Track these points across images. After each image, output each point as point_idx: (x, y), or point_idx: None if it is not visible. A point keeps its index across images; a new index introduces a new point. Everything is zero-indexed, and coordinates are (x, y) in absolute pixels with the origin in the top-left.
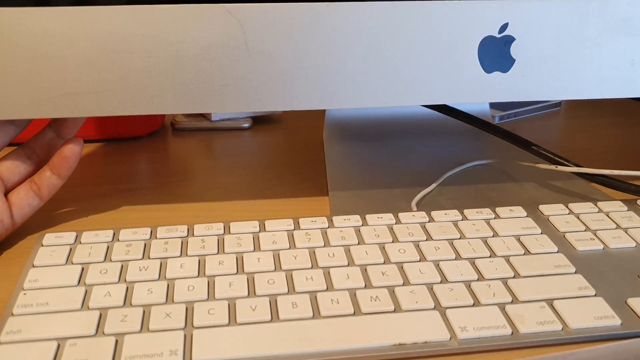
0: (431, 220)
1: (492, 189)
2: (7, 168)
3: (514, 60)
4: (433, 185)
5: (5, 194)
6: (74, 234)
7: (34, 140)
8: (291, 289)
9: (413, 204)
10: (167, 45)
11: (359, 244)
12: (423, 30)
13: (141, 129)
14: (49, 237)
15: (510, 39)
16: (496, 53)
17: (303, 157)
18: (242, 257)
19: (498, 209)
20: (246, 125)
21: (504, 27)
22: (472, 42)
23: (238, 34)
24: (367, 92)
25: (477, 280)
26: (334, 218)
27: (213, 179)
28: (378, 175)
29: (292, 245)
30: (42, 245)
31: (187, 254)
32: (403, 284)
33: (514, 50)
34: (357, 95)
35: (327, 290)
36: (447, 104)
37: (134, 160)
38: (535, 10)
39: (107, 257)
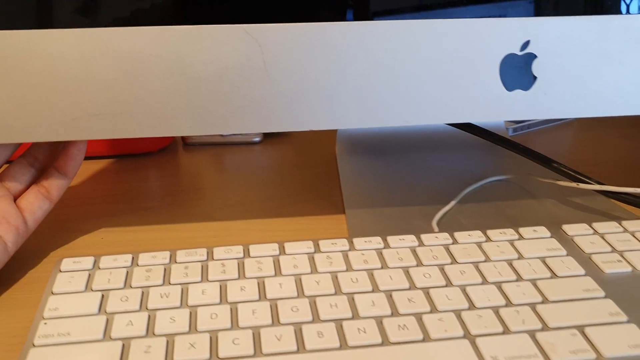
0: (455, 242)
1: (512, 207)
2: (12, 177)
3: (536, 77)
4: (452, 203)
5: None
6: (92, 259)
7: (35, 147)
8: (316, 317)
9: (434, 223)
10: (184, 67)
11: (382, 268)
12: (444, 48)
13: (152, 144)
14: (67, 263)
15: (532, 57)
16: (518, 71)
17: (316, 172)
18: (264, 282)
19: (521, 230)
20: (257, 139)
21: (525, 45)
22: (494, 60)
23: (256, 55)
24: (389, 112)
25: (505, 306)
26: (355, 240)
27: (226, 197)
28: (394, 191)
29: (314, 269)
30: (60, 271)
31: (207, 279)
32: (430, 311)
33: (535, 67)
34: (378, 114)
35: (352, 318)
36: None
37: (146, 177)
38: (557, 27)
39: (127, 283)
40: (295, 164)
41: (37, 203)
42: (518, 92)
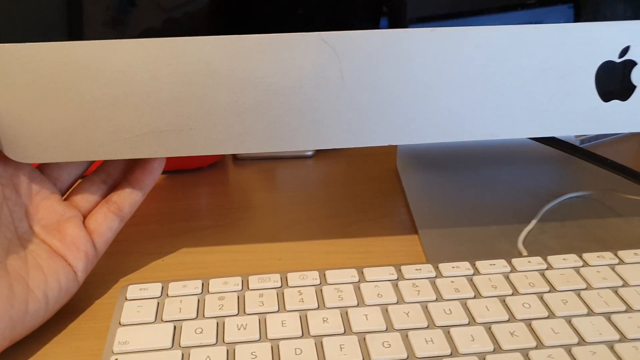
0: (549, 267)
1: (598, 226)
2: (83, 197)
3: (635, 87)
4: (533, 222)
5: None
6: (159, 286)
7: (109, 163)
8: (411, 354)
9: (520, 245)
10: (257, 79)
11: (475, 297)
12: (535, 56)
13: (203, 160)
14: (133, 290)
15: (631, 64)
16: (615, 79)
17: (375, 187)
18: (347, 312)
19: (621, 253)
20: (309, 153)
21: (624, 51)
22: (589, 68)
23: (334, 64)
24: (475, 125)
25: (619, 341)
26: (441, 266)
27: (285, 215)
28: (466, 209)
29: (400, 299)
30: (127, 299)
31: (285, 309)
32: (536, 347)
33: (635, 76)
34: (463, 128)
35: (451, 355)
36: (556, 136)
37: (199, 194)
38: None
39: (199, 313)
40: (352, 179)
41: (106, 223)
42: (615, 103)
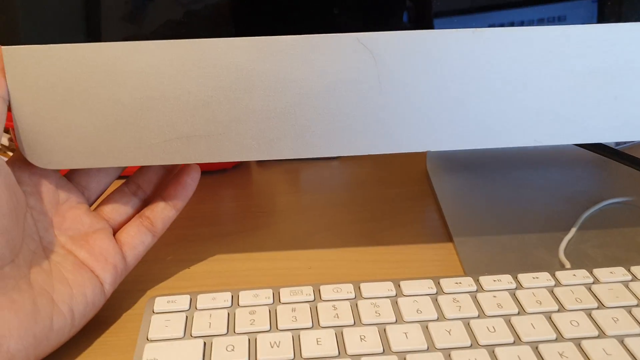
0: (596, 280)
1: None
2: (113, 208)
3: None
4: (573, 231)
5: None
6: (187, 298)
7: (139, 174)
8: None
9: (562, 256)
10: (289, 82)
11: (519, 313)
12: (582, 58)
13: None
14: (161, 302)
15: None
16: None
17: (404, 191)
18: (385, 330)
19: None
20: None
21: None
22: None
23: (370, 67)
24: (515, 131)
25: None
26: (482, 279)
27: (312, 220)
28: (502, 215)
29: (441, 315)
30: (154, 312)
31: (320, 325)
32: None
33: None
34: (505, 133)
35: None
36: (604, 142)
37: (223, 196)
38: None
39: (230, 328)
40: (379, 182)
41: (139, 237)
42: None
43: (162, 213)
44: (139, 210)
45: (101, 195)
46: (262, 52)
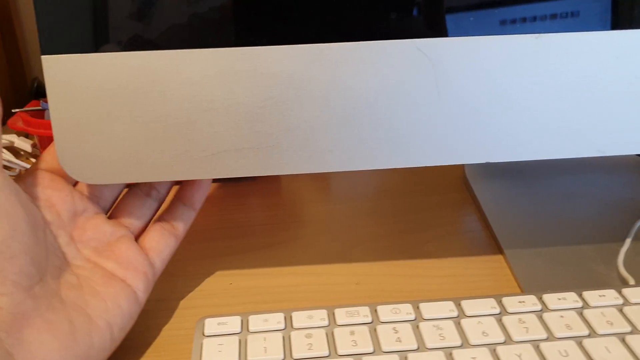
0: None
1: None
2: (130, 212)
3: None
4: (628, 241)
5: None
6: (238, 319)
7: None
8: None
9: (622, 270)
10: (343, 91)
11: (590, 335)
12: None
13: None
14: (211, 324)
15: None
16: None
17: (444, 199)
18: (452, 354)
19: None
20: None
21: None
22: None
23: (429, 75)
24: (579, 140)
25: None
26: (545, 297)
27: (350, 231)
28: (551, 225)
29: (508, 337)
30: (205, 335)
31: (382, 350)
32: None
33: None
34: (567, 143)
35: None
36: None
37: (252, 205)
38: None
39: (286, 353)
40: (414, 189)
41: (163, 241)
42: None
43: (181, 215)
44: (156, 211)
45: (115, 201)
46: (316, 60)
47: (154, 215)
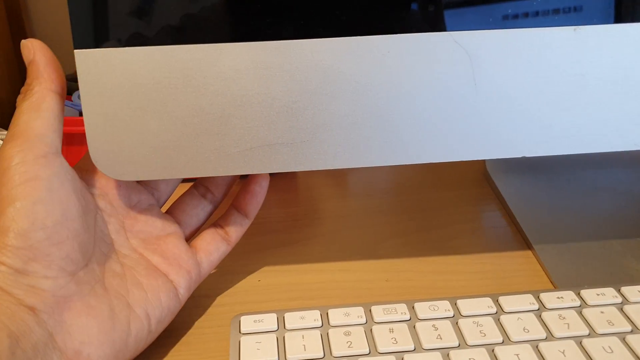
0: None
1: None
2: (184, 211)
3: None
4: None
5: (187, 241)
6: (274, 317)
7: (206, 177)
8: None
9: None
10: (378, 85)
11: (632, 331)
12: None
13: None
14: (247, 321)
15: None
16: None
17: (466, 194)
18: (494, 351)
19: None
20: None
21: None
22: None
23: (465, 68)
24: (617, 133)
25: None
26: (584, 293)
27: (372, 228)
28: (578, 220)
29: (549, 334)
30: (242, 333)
31: (423, 347)
32: None
33: None
34: (605, 137)
35: None
36: None
37: (273, 202)
38: None
39: (326, 351)
40: (434, 184)
41: (214, 244)
42: None
43: (235, 223)
44: (210, 213)
45: (170, 196)
46: (350, 53)
47: (207, 217)
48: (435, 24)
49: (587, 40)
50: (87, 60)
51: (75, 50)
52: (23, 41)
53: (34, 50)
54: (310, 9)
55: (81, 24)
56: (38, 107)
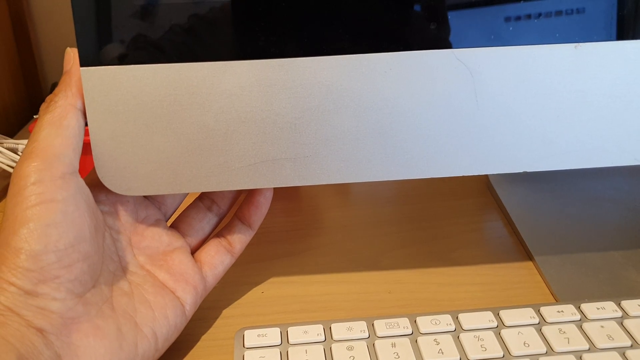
0: None
1: None
2: (190, 225)
3: None
4: None
5: (192, 254)
6: (277, 331)
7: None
8: None
9: None
10: (380, 101)
11: (632, 346)
12: None
13: None
14: (251, 336)
15: None
16: None
17: (468, 203)
18: None
19: None
20: None
21: None
22: None
23: (466, 85)
24: (617, 148)
25: None
26: (584, 307)
27: (375, 238)
28: (579, 231)
29: (549, 349)
30: (246, 347)
31: None
32: None
33: None
34: (605, 152)
35: None
36: None
37: (274, 211)
38: None
39: None
40: (436, 194)
41: (218, 257)
42: None
43: (239, 234)
44: (215, 226)
45: (177, 209)
46: (354, 71)
47: (213, 230)
48: (437, 42)
49: (587, 57)
50: (93, 77)
51: (81, 68)
52: (68, 49)
53: (73, 61)
54: (313, 28)
55: (87, 41)
56: (60, 124)
